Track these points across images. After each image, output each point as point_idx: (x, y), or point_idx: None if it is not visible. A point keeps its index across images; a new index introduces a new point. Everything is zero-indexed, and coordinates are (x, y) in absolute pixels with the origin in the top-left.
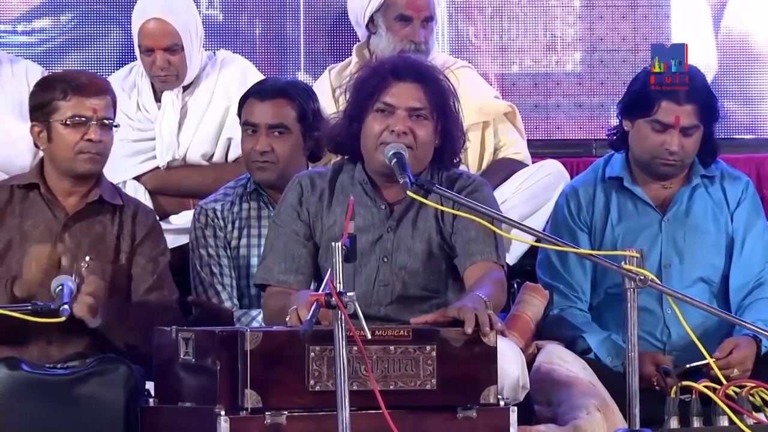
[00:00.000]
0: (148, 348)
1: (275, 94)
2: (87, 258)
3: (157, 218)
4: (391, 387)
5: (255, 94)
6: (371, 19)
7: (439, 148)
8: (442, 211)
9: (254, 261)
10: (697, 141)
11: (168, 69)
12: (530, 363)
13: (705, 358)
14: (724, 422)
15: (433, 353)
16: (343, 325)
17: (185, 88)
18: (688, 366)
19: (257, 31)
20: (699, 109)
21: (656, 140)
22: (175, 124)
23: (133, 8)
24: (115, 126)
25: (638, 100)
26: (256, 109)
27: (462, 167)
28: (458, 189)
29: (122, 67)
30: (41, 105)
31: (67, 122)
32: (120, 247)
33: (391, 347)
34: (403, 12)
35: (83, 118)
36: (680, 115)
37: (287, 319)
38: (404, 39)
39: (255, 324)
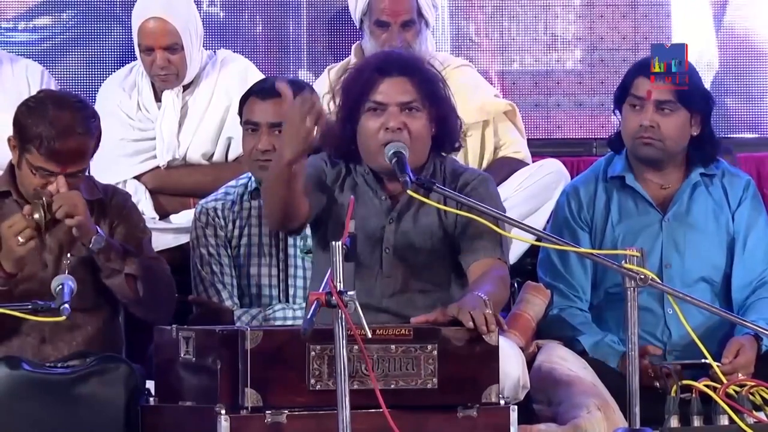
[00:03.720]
0: (148, 292)
1: (276, 93)
2: (68, 255)
3: (132, 200)
4: (392, 386)
5: (256, 93)
6: (361, 22)
7: (436, 136)
8: (445, 203)
9: (254, 260)
10: (677, 123)
11: (168, 68)
12: (531, 362)
13: (706, 358)
14: (724, 421)
15: (435, 352)
16: (343, 324)
17: (185, 88)
18: (687, 362)
19: (258, 29)
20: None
21: (634, 120)
22: (176, 124)
23: (133, 6)
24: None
25: (621, 85)
26: (258, 108)
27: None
28: (462, 183)
29: (124, 64)
30: (21, 132)
31: (33, 171)
32: None
33: (392, 346)
34: (379, 17)
35: (48, 173)
36: (653, 89)
37: None
38: (384, 44)
39: (255, 323)
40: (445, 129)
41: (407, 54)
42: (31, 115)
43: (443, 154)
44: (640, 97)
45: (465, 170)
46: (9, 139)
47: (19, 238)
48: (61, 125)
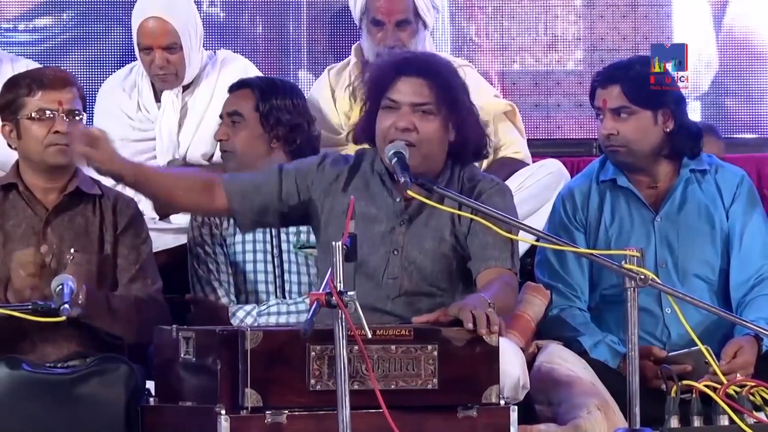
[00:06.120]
0: (133, 338)
1: (239, 86)
2: (72, 250)
3: (139, 207)
4: (392, 386)
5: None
6: (361, 21)
7: (455, 143)
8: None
9: (249, 257)
10: (638, 125)
11: (167, 68)
12: (531, 363)
13: (706, 357)
14: (724, 421)
15: (435, 353)
16: (343, 324)
17: (185, 88)
18: (675, 353)
19: (259, 29)
20: (624, 89)
21: (601, 130)
22: (175, 124)
23: (133, 6)
24: (79, 117)
25: (590, 96)
26: (225, 101)
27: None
28: (479, 191)
29: (124, 65)
30: (8, 104)
31: (33, 116)
32: (104, 237)
33: (392, 347)
34: (375, 16)
35: (49, 111)
36: (606, 98)
37: None
38: (379, 43)
39: (249, 319)
40: (465, 136)
41: (433, 57)
42: (11, 84)
43: (462, 162)
44: (599, 107)
45: (483, 178)
46: (3, 127)
47: (21, 271)
48: (43, 69)
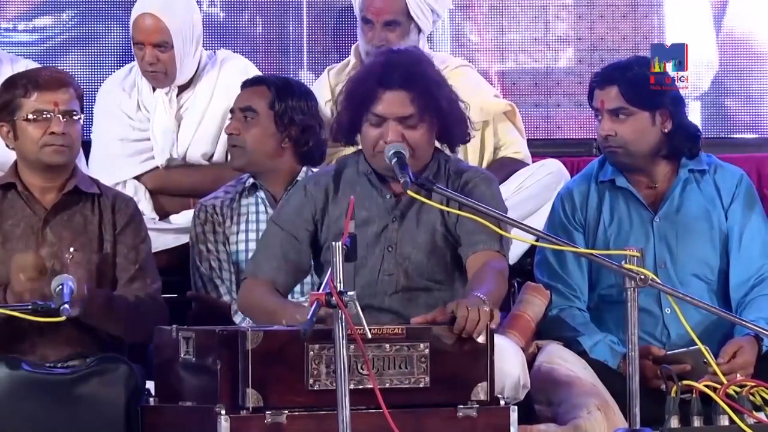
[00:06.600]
0: (132, 338)
1: (254, 82)
2: (71, 249)
3: (138, 206)
4: (387, 385)
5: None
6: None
7: (441, 133)
8: (447, 204)
9: (251, 255)
10: (636, 126)
11: (156, 65)
12: (531, 363)
13: (705, 357)
14: (724, 422)
15: (426, 351)
16: (343, 324)
17: (185, 88)
18: (674, 352)
19: (259, 29)
20: (622, 90)
21: (599, 130)
22: (169, 123)
23: (133, 6)
24: (77, 117)
25: (588, 97)
26: (237, 96)
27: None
28: (464, 181)
29: (123, 65)
30: (5, 104)
31: (30, 117)
32: (103, 236)
33: (386, 345)
34: (365, 15)
35: (45, 112)
36: (604, 99)
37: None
38: (369, 42)
39: None
40: (450, 125)
41: (408, 61)
42: (8, 85)
43: (449, 151)
44: (597, 108)
45: (468, 169)
46: (0, 127)
47: (21, 275)
48: (39, 70)
